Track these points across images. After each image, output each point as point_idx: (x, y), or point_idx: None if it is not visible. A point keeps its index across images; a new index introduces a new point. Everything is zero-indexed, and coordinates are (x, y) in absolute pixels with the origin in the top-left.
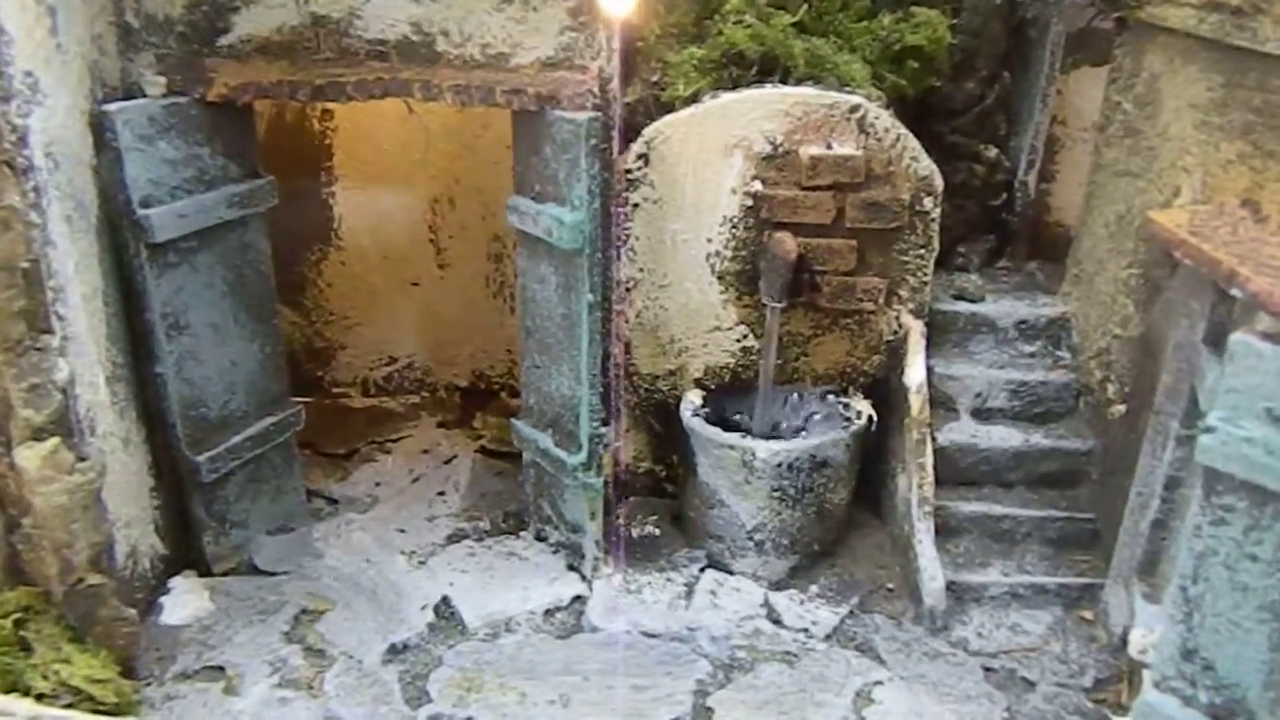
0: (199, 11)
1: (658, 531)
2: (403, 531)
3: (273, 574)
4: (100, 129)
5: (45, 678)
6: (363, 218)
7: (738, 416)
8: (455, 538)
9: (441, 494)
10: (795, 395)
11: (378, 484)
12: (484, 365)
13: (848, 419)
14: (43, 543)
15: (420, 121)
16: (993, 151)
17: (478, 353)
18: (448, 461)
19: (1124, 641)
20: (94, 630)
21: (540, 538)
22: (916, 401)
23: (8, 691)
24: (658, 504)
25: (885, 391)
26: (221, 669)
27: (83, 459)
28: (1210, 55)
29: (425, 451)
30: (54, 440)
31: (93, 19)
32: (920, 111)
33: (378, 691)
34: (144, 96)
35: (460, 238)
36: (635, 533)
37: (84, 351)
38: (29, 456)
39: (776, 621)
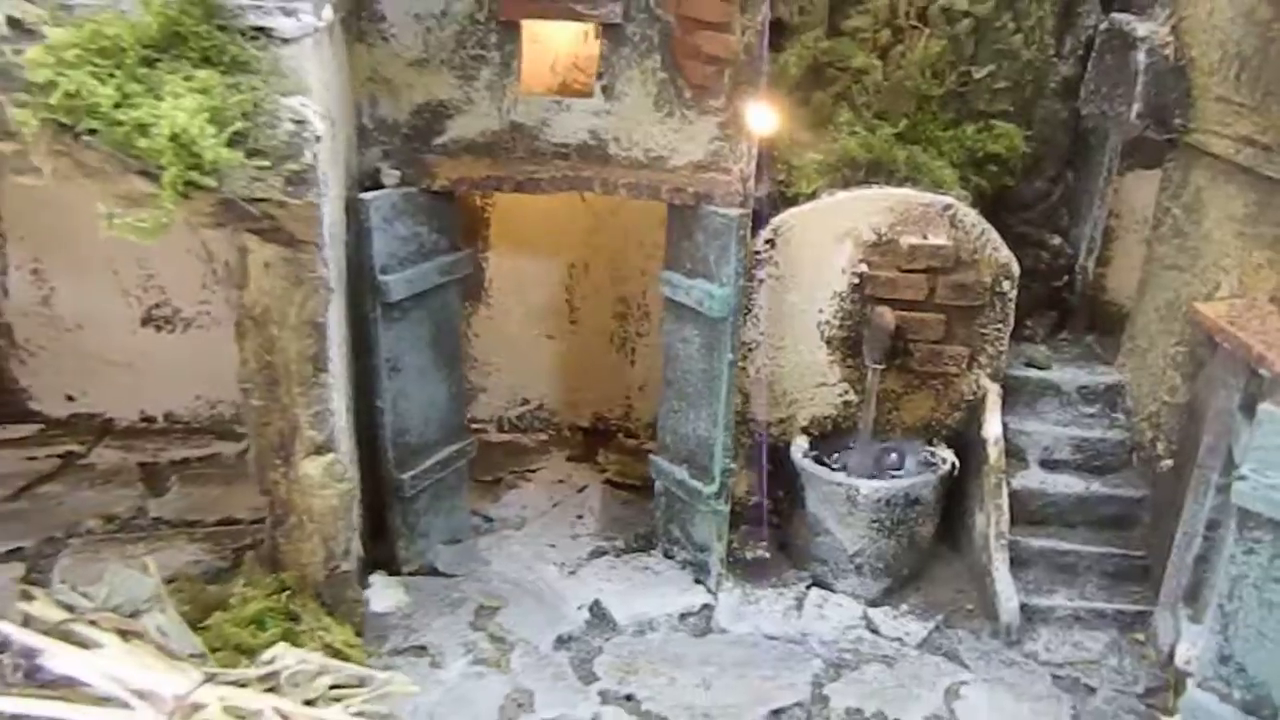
0: (420, 117)
1: (767, 555)
2: (552, 546)
3: (450, 576)
4: (354, 212)
5: (311, 641)
6: (509, 279)
7: (835, 458)
8: (596, 553)
9: (580, 517)
10: (888, 443)
11: (524, 507)
12: (604, 409)
13: (933, 464)
14: (314, 536)
15: (563, 201)
16: (1057, 240)
17: (599, 398)
18: (580, 490)
19: (1171, 657)
20: (340, 608)
21: (668, 555)
22: (994, 452)
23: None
24: (765, 532)
25: (964, 443)
26: (424, 648)
27: (345, 471)
28: (1246, 179)
29: (560, 481)
30: (330, 455)
31: (348, 124)
32: (996, 205)
33: (554, 670)
34: (382, 187)
35: (591, 299)
36: (748, 555)
37: (338, 388)
38: (313, 467)
39: (874, 631)
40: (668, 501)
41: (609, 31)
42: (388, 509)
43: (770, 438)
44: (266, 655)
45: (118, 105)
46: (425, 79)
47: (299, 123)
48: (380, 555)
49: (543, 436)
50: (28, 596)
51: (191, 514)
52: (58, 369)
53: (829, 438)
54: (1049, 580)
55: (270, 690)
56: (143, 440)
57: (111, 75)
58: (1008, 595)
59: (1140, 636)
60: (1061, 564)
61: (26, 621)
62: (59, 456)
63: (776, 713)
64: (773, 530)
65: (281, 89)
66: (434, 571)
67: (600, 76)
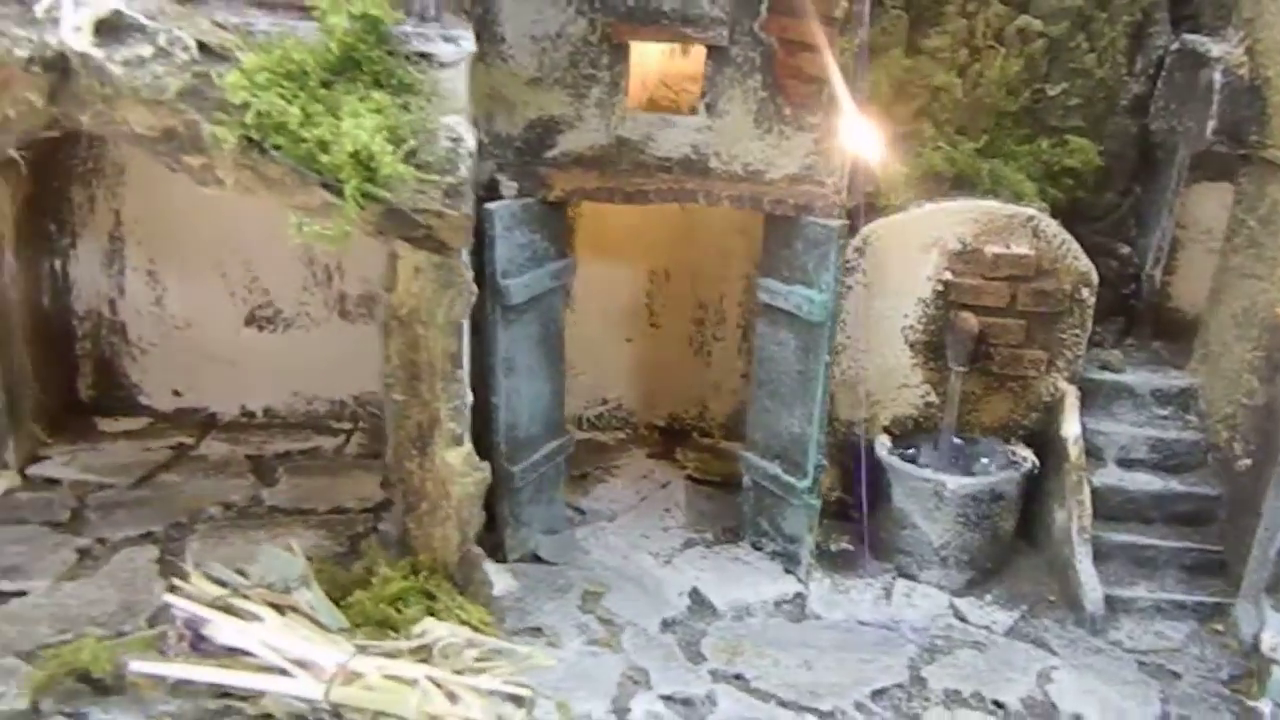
0: (533, 132)
1: (850, 547)
2: (646, 537)
3: (553, 564)
4: (479, 220)
5: (449, 618)
6: (592, 285)
7: (911, 452)
8: (688, 544)
9: (667, 510)
10: (968, 442)
11: (613, 501)
12: (679, 409)
13: (1015, 463)
14: (450, 521)
15: (645, 211)
16: (1126, 249)
17: (676, 398)
18: (664, 486)
19: (1255, 647)
20: (469, 589)
21: (756, 547)
22: (1075, 450)
23: None
24: (847, 526)
25: (1041, 442)
26: (539, 629)
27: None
28: None
29: (643, 477)
30: (467, 446)
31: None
32: (1069, 216)
33: (664, 651)
34: (499, 197)
35: (670, 304)
36: (833, 547)
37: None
38: (454, 457)
39: (962, 619)
40: (757, 495)
41: (714, 53)
42: (497, 500)
43: (855, 436)
44: (417, 629)
45: (302, 124)
46: (539, 96)
47: (455, 139)
48: (486, 544)
49: (621, 435)
50: (180, 574)
51: (304, 503)
52: (166, 365)
53: (910, 435)
54: (1129, 573)
55: (422, 661)
56: (246, 434)
57: (296, 96)
58: (1092, 586)
59: (1219, 627)
60: (1141, 558)
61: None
62: (171, 448)
63: (878, 693)
64: (854, 524)
65: (441, 109)
66: (535, 559)
67: (704, 95)
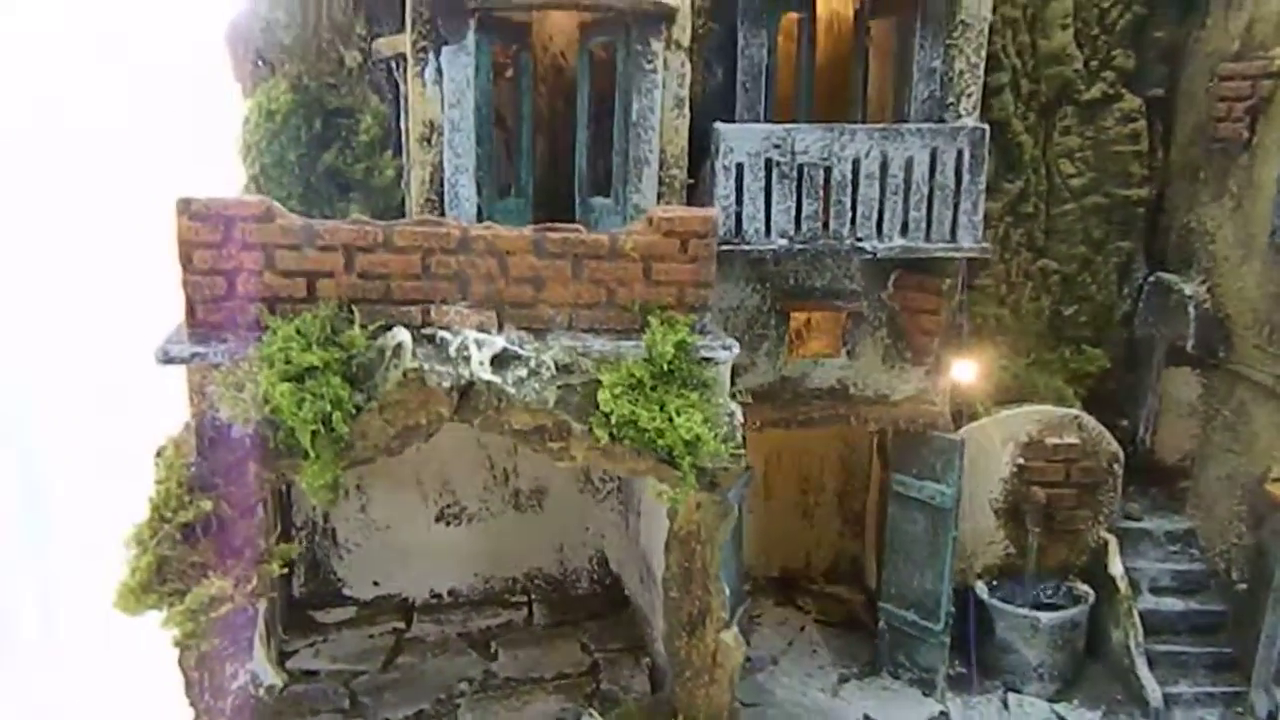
0: None
1: (964, 670)
2: (809, 676)
3: (752, 705)
4: None
5: None
6: None
7: (1000, 594)
8: (843, 679)
9: (814, 651)
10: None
11: (770, 647)
12: (789, 563)
13: (1080, 597)
14: (720, 684)
15: None
16: (1125, 422)
17: (786, 554)
18: (801, 629)
19: None
20: None
21: (895, 676)
22: (1123, 585)
23: None
24: (954, 653)
25: (1090, 576)
26: None
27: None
28: None
29: (781, 624)
30: (735, 628)
31: None
32: (1086, 403)
33: None
34: None
35: (780, 480)
36: (950, 672)
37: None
38: (728, 636)
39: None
40: (893, 636)
41: (853, 315)
42: None
43: (958, 584)
44: None
45: (646, 420)
46: None
47: (730, 414)
48: None
49: (747, 587)
50: None
51: (530, 672)
52: (368, 560)
53: (997, 579)
54: (1171, 675)
55: None
56: (444, 613)
57: (637, 400)
58: (1152, 688)
59: (1240, 709)
60: (1177, 662)
61: None
62: (389, 633)
63: None
64: (961, 651)
65: (720, 395)
66: (740, 703)
67: (845, 343)
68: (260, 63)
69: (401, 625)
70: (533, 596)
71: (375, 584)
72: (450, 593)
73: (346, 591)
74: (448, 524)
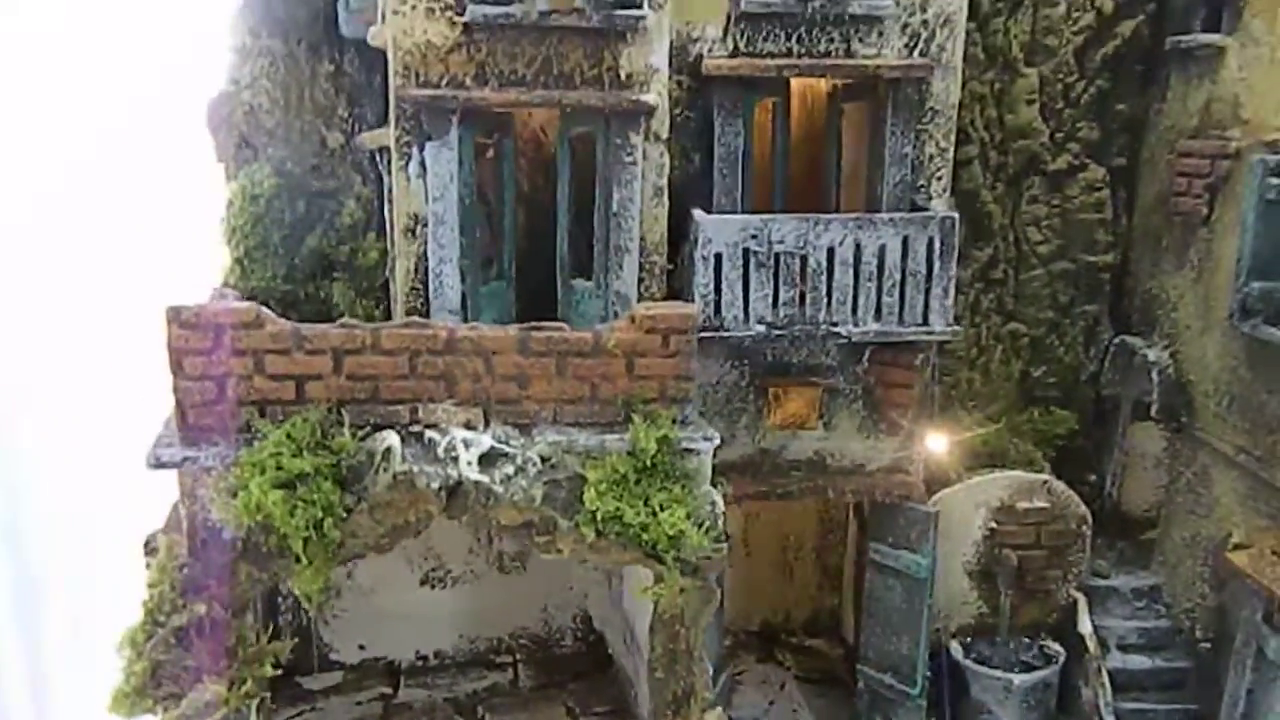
0: None
1: None
2: None
3: None
4: None
5: None
6: None
7: (974, 655)
8: None
9: (795, 710)
10: (1014, 641)
11: (752, 706)
12: (769, 619)
13: (1051, 656)
14: None
15: None
16: (1093, 477)
17: (765, 608)
18: (781, 688)
19: None
20: None
21: None
22: (1092, 643)
23: None
24: (928, 714)
25: (1060, 635)
26: None
27: None
28: (1244, 470)
29: (763, 682)
30: (720, 708)
31: None
32: (1055, 462)
33: None
34: None
35: (759, 541)
36: None
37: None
38: (711, 716)
39: None
40: (871, 698)
41: (829, 390)
42: None
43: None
44: None
45: (631, 516)
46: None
47: (713, 504)
48: None
49: (726, 641)
50: None
51: None
52: (353, 624)
53: (970, 639)
54: None
55: None
56: (429, 676)
57: (621, 496)
58: None
59: None
60: (1146, 718)
61: None
62: (376, 699)
63: None
64: (939, 712)
65: (702, 484)
66: None
67: (821, 416)
68: (244, 145)
69: (389, 690)
70: (518, 657)
71: (361, 647)
72: (436, 654)
73: (333, 656)
74: (432, 586)
